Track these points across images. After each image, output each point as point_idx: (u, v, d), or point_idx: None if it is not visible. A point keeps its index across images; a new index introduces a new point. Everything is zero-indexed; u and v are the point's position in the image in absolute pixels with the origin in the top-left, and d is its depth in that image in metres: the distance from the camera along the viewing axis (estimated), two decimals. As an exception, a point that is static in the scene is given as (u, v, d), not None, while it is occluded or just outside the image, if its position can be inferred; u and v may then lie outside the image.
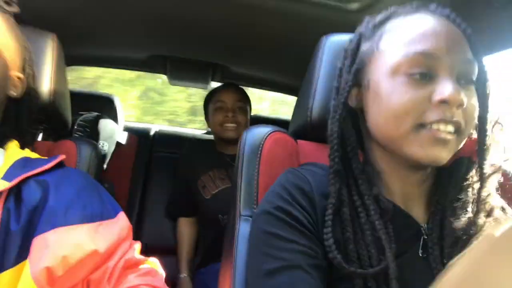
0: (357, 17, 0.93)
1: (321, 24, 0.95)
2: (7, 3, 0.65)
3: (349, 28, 0.89)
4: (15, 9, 0.66)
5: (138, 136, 1.73)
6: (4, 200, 0.53)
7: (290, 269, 0.49)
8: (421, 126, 0.49)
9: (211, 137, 1.65)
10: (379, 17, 0.58)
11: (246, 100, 1.50)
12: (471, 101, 0.51)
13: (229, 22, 1.03)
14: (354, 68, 0.56)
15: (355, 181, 0.55)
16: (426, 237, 0.54)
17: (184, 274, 1.43)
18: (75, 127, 1.45)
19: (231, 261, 0.64)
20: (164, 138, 1.79)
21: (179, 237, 1.50)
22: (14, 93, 0.64)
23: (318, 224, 0.53)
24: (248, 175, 0.70)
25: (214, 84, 1.66)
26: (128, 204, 1.61)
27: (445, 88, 0.48)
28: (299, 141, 0.78)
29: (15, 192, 0.55)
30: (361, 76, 0.57)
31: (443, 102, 0.48)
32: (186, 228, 1.50)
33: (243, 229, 0.66)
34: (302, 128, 0.77)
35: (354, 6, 0.91)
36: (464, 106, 0.48)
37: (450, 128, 0.49)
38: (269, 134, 0.74)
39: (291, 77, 1.49)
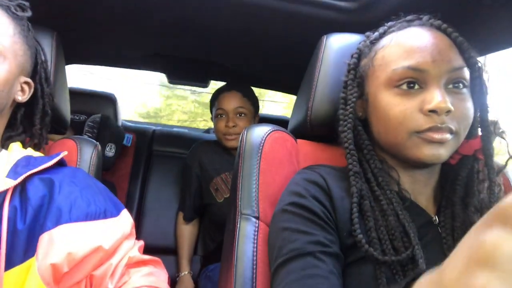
0: (357, 16, 0.93)
1: (321, 23, 0.95)
2: (21, 8, 0.65)
3: (349, 27, 0.90)
4: (28, 13, 0.66)
5: (137, 135, 1.73)
6: (10, 198, 0.54)
7: (302, 256, 0.52)
8: (416, 133, 0.54)
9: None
10: (375, 34, 0.63)
11: (248, 102, 1.39)
12: (463, 104, 0.55)
13: (228, 21, 1.03)
14: (356, 82, 0.62)
15: (376, 178, 0.59)
16: (440, 229, 0.58)
17: (185, 272, 1.43)
18: (85, 128, 1.45)
19: (231, 260, 0.64)
20: (163, 137, 1.78)
21: (180, 235, 1.48)
22: (19, 97, 0.64)
23: (335, 212, 0.57)
24: (248, 174, 0.70)
25: (213, 84, 1.64)
26: (127, 204, 1.60)
27: (432, 98, 0.52)
28: (298, 140, 0.79)
29: (20, 190, 0.56)
30: (362, 89, 0.62)
31: (432, 111, 0.52)
32: (187, 226, 1.49)
33: (243, 228, 0.66)
34: (302, 127, 0.77)
35: (354, 5, 0.91)
36: (453, 111, 0.52)
37: (443, 133, 0.53)
38: (269, 133, 0.74)
39: (290, 76, 1.49)
